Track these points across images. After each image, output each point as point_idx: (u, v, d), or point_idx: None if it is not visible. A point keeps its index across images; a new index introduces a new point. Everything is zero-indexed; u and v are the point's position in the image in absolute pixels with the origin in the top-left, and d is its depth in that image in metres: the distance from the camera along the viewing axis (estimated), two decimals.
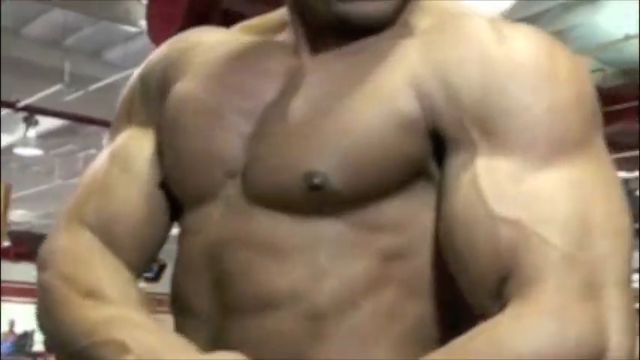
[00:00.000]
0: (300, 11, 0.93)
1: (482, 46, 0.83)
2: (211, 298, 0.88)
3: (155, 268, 15.86)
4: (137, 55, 6.80)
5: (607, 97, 6.56)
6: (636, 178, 8.28)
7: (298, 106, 0.86)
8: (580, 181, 0.78)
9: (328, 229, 0.84)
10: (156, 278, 16.07)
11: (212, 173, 0.90)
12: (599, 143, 0.82)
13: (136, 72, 1.04)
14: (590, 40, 6.34)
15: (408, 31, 0.88)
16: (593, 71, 6.82)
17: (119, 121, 1.04)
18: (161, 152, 0.97)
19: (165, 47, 1.03)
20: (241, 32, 1.02)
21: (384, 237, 0.84)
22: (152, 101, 1.00)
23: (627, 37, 5.87)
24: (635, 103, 6.27)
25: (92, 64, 7.50)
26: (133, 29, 6.63)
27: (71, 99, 7.25)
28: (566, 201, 0.77)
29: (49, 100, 7.21)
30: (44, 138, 9.07)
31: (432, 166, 0.84)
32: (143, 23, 5.72)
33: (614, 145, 6.91)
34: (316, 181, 0.82)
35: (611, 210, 0.78)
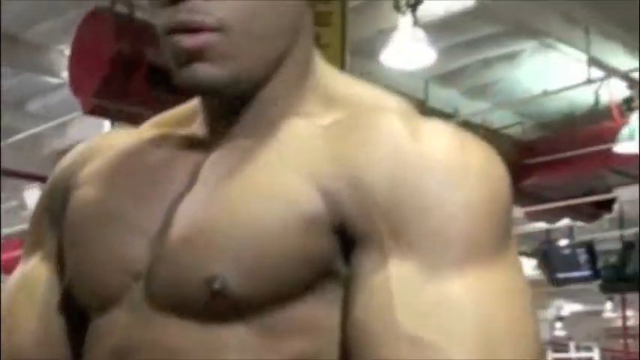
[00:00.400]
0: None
1: (395, 143, 0.79)
2: None
3: None
4: (59, 105, 6.73)
5: (526, 149, 6.73)
6: (557, 229, 8.45)
7: (199, 205, 0.83)
8: (487, 290, 0.75)
9: (234, 335, 0.80)
10: None
11: (116, 277, 0.86)
12: (511, 245, 0.79)
13: (45, 186, 1.03)
14: (510, 94, 6.50)
15: (310, 123, 0.85)
16: (513, 125, 6.97)
17: (30, 238, 1.03)
18: (62, 263, 0.95)
19: (70, 155, 1.01)
20: (151, 128, 0.99)
21: (293, 342, 0.80)
22: (57, 217, 0.97)
23: (546, 93, 6.03)
24: (552, 157, 6.41)
25: (14, 116, 7.38)
26: (55, 80, 6.55)
27: None
28: (472, 313, 0.73)
29: None
30: None
31: (339, 265, 0.80)
32: (65, 74, 5.67)
33: (533, 196, 7.07)
34: (216, 285, 0.78)
35: (516, 317, 0.75)
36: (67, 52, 5.33)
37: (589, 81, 5.42)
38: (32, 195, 8.62)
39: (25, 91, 7.19)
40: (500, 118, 6.90)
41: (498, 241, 0.77)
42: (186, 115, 0.97)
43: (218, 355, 0.80)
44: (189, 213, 0.84)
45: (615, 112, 5.85)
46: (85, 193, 0.94)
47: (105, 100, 5.11)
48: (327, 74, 0.91)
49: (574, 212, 7.50)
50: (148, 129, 1.00)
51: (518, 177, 6.61)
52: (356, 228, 0.78)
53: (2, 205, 10.11)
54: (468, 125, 6.06)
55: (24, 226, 10.10)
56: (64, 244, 0.95)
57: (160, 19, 0.83)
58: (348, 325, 0.77)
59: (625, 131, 5.72)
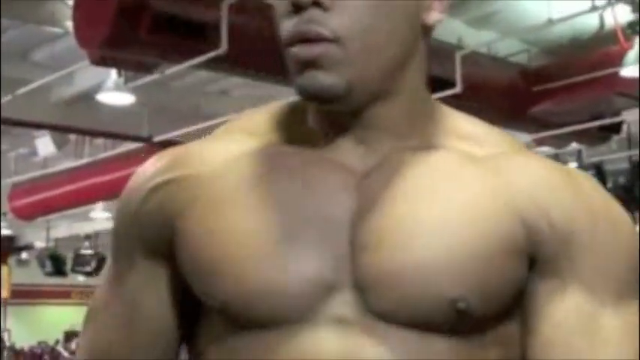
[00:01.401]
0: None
1: (571, 188, 0.92)
2: None
3: (94, 262, 15.80)
4: (65, 54, 6.72)
5: (533, 76, 6.72)
6: (566, 151, 8.47)
7: (395, 223, 0.89)
8: (636, 324, 0.90)
9: (462, 347, 0.89)
10: (95, 272, 15.96)
11: (303, 291, 0.88)
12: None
13: (122, 208, 1.01)
14: (515, 22, 6.46)
15: (459, 155, 0.93)
16: (519, 53, 6.94)
17: (117, 262, 1.03)
18: (198, 282, 0.94)
19: (154, 178, 0.98)
20: (245, 137, 0.98)
21: (496, 353, 0.92)
22: (155, 245, 0.98)
23: (550, 21, 5.99)
24: (560, 83, 6.40)
25: (20, 66, 7.38)
26: (58, 30, 6.53)
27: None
28: (628, 344, 0.89)
29: None
30: None
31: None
32: (69, 24, 5.65)
33: (541, 122, 7.08)
34: (461, 305, 0.87)
35: None
36: (71, 2, 5.30)
37: (594, 8, 5.39)
38: (43, 143, 8.66)
39: (31, 41, 7.18)
40: (505, 47, 6.87)
41: (637, 283, 0.93)
42: (272, 123, 0.98)
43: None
44: (388, 232, 0.88)
45: (620, 36, 5.82)
46: (222, 217, 0.92)
47: (111, 50, 5.12)
48: (441, 107, 0.98)
49: (583, 136, 7.53)
50: (241, 139, 0.98)
51: (526, 104, 6.62)
52: (540, 256, 0.90)
53: (13, 153, 10.18)
54: (474, 54, 6.06)
55: (35, 172, 10.14)
56: (191, 271, 0.94)
57: (283, 29, 0.89)
58: (534, 344, 0.91)
59: (630, 55, 5.70)
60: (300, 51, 0.87)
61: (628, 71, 5.77)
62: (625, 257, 0.92)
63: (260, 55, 5.07)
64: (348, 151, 0.92)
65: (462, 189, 0.90)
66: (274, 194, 0.92)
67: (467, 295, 0.87)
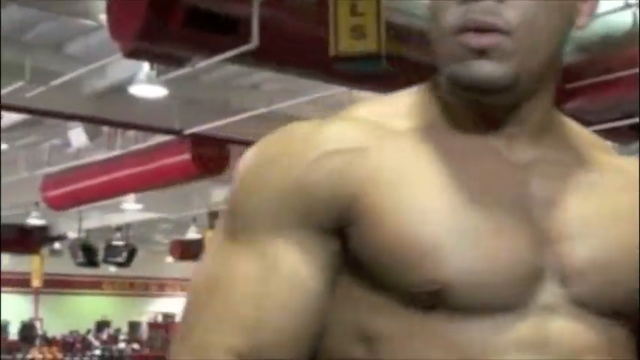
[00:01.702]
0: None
1: None
2: None
3: (125, 253, 15.94)
4: (98, 47, 6.78)
5: (566, 73, 6.67)
6: None
7: (585, 216, 0.92)
8: None
9: (628, 334, 0.93)
10: (126, 263, 16.11)
11: (518, 281, 0.87)
12: None
13: (266, 174, 0.92)
14: None
15: (581, 148, 0.97)
16: None
17: (261, 228, 0.91)
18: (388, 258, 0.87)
19: (320, 145, 0.91)
20: (392, 120, 0.94)
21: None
22: (318, 212, 0.89)
23: None
24: (592, 80, 6.36)
25: (54, 58, 7.46)
26: (92, 23, 6.60)
27: (34, 94, 7.22)
28: None
29: (11, 96, 7.17)
30: (8, 131, 9.02)
31: None
32: (102, 17, 5.70)
33: (574, 120, 7.03)
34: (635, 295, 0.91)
35: None
36: None
37: (627, 5, 5.35)
38: (76, 134, 8.75)
39: (64, 34, 7.25)
40: None
41: None
42: (409, 109, 0.96)
43: (623, 351, 0.93)
44: (584, 222, 0.91)
45: None
46: (414, 194, 0.88)
47: (144, 43, 5.17)
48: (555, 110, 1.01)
49: (614, 134, 7.47)
50: (384, 122, 0.94)
51: (559, 101, 6.57)
52: None
53: (47, 144, 10.30)
54: None
55: (68, 163, 10.23)
56: (387, 251, 0.87)
57: (450, 16, 0.88)
58: None
59: None
60: (472, 39, 0.86)
61: None
62: None
63: (290, 50, 5.09)
64: (498, 143, 0.92)
65: (616, 187, 0.95)
66: (456, 174, 0.90)
67: None
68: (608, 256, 0.89)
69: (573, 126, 1.00)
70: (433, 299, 0.86)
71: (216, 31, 5.02)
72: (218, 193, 12.54)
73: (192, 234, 15.21)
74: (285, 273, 0.89)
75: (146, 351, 17.76)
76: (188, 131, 8.19)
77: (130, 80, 7.12)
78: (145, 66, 6.73)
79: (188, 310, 0.93)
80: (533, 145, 0.93)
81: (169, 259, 19.15)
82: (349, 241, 0.90)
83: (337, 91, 6.85)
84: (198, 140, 8.48)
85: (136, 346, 18.13)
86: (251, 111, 7.72)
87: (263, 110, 7.59)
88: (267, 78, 8.09)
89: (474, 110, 0.92)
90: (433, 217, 0.87)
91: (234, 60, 5.43)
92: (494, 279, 0.86)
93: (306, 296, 0.89)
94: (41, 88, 7.17)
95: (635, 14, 5.85)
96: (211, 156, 8.70)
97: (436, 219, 0.87)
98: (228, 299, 0.89)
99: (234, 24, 4.99)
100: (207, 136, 8.33)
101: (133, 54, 5.44)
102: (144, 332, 20.37)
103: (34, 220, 14.40)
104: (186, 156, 8.61)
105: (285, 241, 0.89)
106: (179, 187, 10.32)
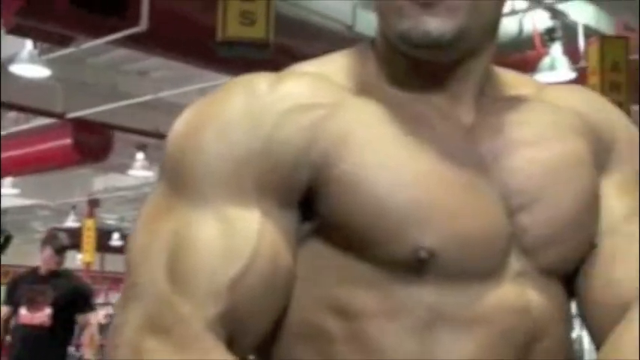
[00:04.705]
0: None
1: (614, 108, 1.02)
2: None
3: (0, 240, 15.41)
4: None
5: None
6: None
7: (526, 176, 0.91)
8: None
9: (563, 286, 0.94)
10: (1, 251, 15.58)
11: (499, 247, 0.87)
12: None
13: (228, 131, 0.84)
14: None
15: (525, 97, 0.97)
16: None
17: (223, 192, 0.84)
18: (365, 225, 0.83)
19: (286, 99, 0.86)
20: (340, 80, 0.91)
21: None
22: (286, 173, 0.84)
23: None
24: None
25: None
26: None
27: None
28: None
29: None
30: None
31: None
32: None
33: None
34: (595, 242, 0.93)
35: None
36: None
37: (513, 11, 5.50)
38: None
39: None
40: None
41: None
42: (352, 71, 0.93)
43: (566, 304, 0.94)
44: (526, 184, 0.90)
45: (537, 42, 5.95)
46: (389, 157, 0.85)
47: (28, 19, 5.00)
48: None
49: None
50: (341, 82, 0.91)
51: None
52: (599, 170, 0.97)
53: None
54: None
55: None
56: (368, 215, 0.83)
57: None
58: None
59: (546, 61, 5.83)
60: None
61: (543, 77, 5.89)
62: None
63: (179, 35, 5.01)
64: (443, 103, 0.92)
65: (556, 130, 0.95)
66: (419, 138, 0.88)
67: (596, 230, 0.93)
68: (558, 219, 0.90)
69: (508, 77, 1.01)
70: (419, 268, 0.84)
71: (104, 12, 4.89)
72: (99, 181, 12.29)
73: (70, 222, 14.84)
74: (250, 238, 0.82)
75: None
76: (71, 115, 7.97)
77: (12, 59, 6.87)
78: (28, 44, 6.51)
79: (139, 285, 0.82)
80: (475, 105, 0.93)
81: None
82: (320, 206, 0.86)
83: (225, 80, 6.80)
84: (80, 125, 8.27)
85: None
86: (137, 97, 7.58)
87: (150, 97, 7.46)
88: (155, 64, 7.97)
89: (418, 69, 0.91)
90: (411, 183, 0.85)
91: (122, 43, 5.31)
92: (477, 244, 0.85)
93: (273, 261, 0.83)
94: None
95: (520, 21, 6.01)
96: (94, 142, 8.52)
97: (414, 185, 0.85)
98: (191, 266, 0.81)
99: (123, 5, 4.88)
100: (91, 121, 8.14)
101: (16, 30, 5.26)
102: None
103: None
104: (68, 141, 8.39)
105: (247, 204, 0.83)
106: (59, 173, 10.06)
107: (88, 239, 13.52)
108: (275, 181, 0.84)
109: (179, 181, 0.85)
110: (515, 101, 0.96)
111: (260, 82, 0.88)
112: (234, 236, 0.82)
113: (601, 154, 0.96)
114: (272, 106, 0.85)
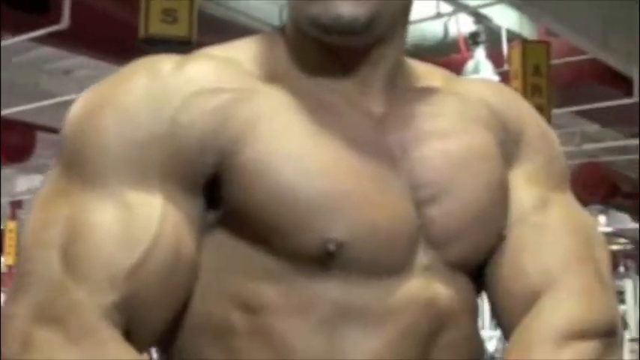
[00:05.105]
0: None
1: (524, 102, 1.05)
2: None
3: None
4: None
5: None
6: None
7: (434, 165, 0.91)
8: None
9: (470, 279, 0.95)
10: None
11: (406, 241, 0.87)
12: None
13: (129, 113, 0.82)
14: None
15: (436, 88, 0.97)
16: None
17: (123, 176, 0.81)
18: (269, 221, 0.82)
19: (193, 81, 0.84)
20: (248, 66, 0.89)
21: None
22: (190, 159, 0.82)
23: None
24: None
25: None
26: None
27: None
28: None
29: None
30: None
31: None
32: None
33: None
34: (504, 233, 0.94)
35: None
36: None
37: (438, 15, 5.55)
38: None
39: None
40: None
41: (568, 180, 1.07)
42: (261, 57, 0.92)
43: (473, 298, 0.95)
44: (434, 176, 0.90)
45: (462, 46, 6.02)
46: (297, 145, 0.84)
47: None
48: None
49: None
50: (250, 68, 0.89)
51: None
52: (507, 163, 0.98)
53: None
54: None
55: None
56: (274, 204, 0.82)
57: None
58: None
59: (470, 65, 5.90)
60: None
61: None
62: (559, 157, 1.01)
63: (102, 33, 4.94)
64: (353, 92, 0.91)
65: (465, 123, 0.95)
66: (328, 128, 0.86)
67: (505, 222, 0.94)
68: (466, 211, 0.91)
69: (419, 68, 1.01)
70: (327, 261, 0.82)
71: (25, 9, 4.79)
72: (22, 182, 12.04)
73: None
74: (151, 224, 0.80)
75: None
76: None
77: None
78: None
79: (31, 273, 0.78)
80: (386, 95, 0.92)
81: None
82: (224, 194, 0.84)
83: None
84: (2, 124, 8.09)
85: None
86: (61, 96, 7.45)
87: (74, 96, 7.32)
88: (79, 64, 7.85)
89: (328, 57, 0.90)
90: (317, 174, 0.83)
91: (45, 41, 5.22)
92: (385, 236, 0.85)
93: (175, 248, 0.81)
94: None
95: (446, 25, 6.07)
96: (16, 142, 8.34)
97: (321, 175, 0.83)
98: (87, 252, 0.78)
99: (45, 2, 4.79)
100: (13, 120, 7.97)
101: None
102: None
103: None
104: None
105: (149, 189, 0.81)
106: None
107: (11, 242, 13.22)
108: (179, 165, 0.82)
109: (76, 164, 0.81)
110: (426, 92, 0.96)
111: (164, 63, 0.85)
112: (134, 222, 0.80)
113: (509, 146, 0.97)
114: (176, 88, 0.83)
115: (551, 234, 0.94)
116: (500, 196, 0.94)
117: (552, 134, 1.04)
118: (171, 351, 0.87)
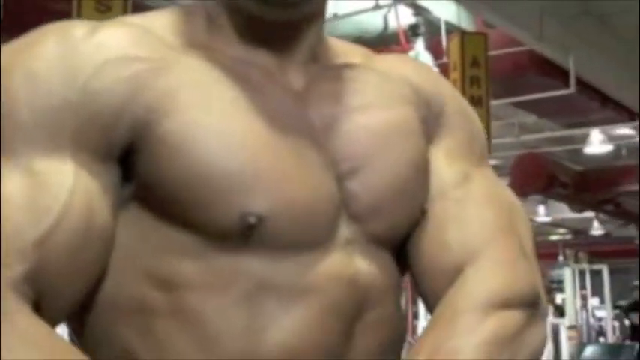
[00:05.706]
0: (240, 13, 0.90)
1: (437, 74, 1.07)
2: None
3: None
4: None
5: None
6: None
7: (353, 140, 0.90)
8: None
9: (392, 256, 0.94)
10: None
11: (328, 214, 0.86)
12: None
13: (52, 91, 0.79)
14: None
15: (356, 65, 0.97)
16: None
17: (33, 144, 0.78)
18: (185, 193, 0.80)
19: (105, 47, 0.81)
20: (166, 36, 0.87)
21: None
22: (101, 128, 0.80)
23: (336, 16, 6.14)
24: None
25: None
26: None
27: None
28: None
29: None
30: None
31: None
32: None
33: None
34: (425, 208, 0.94)
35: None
36: None
37: (377, 7, 5.57)
38: None
39: None
40: None
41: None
42: (178, 28, 0.90)
43: (396, 274, 0.94)
44: (355, 151, 0.89)
45: (402, 38, 6.05)
46: (216, 118, 0.82)
47: None
48: None
49: None
50: (169, 38, 0.87)
51: None
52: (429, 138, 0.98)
53: None
54: None
55: None
56: (191, 178, 0.80)
57: None
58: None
59: (410, 56, 5.94)
60: None
61: None
62: (479, 133, 1.02)
63: (36, 22, 4.87)
64: (274, 66, 0.90)
65: (386, 98, 0.95)
66: (247, 101, 0.84)
67: (427, 197, 0.94)
68: (387, 185, 0.91)
69: (339, 45, 1.01)
70: (246, 236, 0.81)
71: None
72: None
73: None
74: (61, 193, 0.77)
75: None
76: None
77: None
78: None
79: None
80: (307, 71, 0.92)
81: None
82: (140, 166, 0.81)
83: None
84: None
85: None
86: None
87: None
88: None
89: (251, 30, 0.90)
90: (237, 147, 0.82)
91: None
92: (306, 211, 0.84)
93: (87, 218, 0.78)
94: None
95: (385, 17, 6.10)
96: None
97: (240, 149, 0.82)
98: None
99: None
100: None
101: None
102: None
103: None
104: None
105: (60, 157, 0.78)
106: None
107: None
108: (92, 133, 0.80)
109: None
110: (347, 69, 0.96)
111: (76, 29, 0.82)
112: (44, 190, 0.77)
113: (430, 122, 0.97)
114: (88, 55, 0.81)
115: (473, 208, 0.94)
116: (422, 171, 0.94)
117: (472, 111, 1.03)
118: (83, 329, 0.85)
